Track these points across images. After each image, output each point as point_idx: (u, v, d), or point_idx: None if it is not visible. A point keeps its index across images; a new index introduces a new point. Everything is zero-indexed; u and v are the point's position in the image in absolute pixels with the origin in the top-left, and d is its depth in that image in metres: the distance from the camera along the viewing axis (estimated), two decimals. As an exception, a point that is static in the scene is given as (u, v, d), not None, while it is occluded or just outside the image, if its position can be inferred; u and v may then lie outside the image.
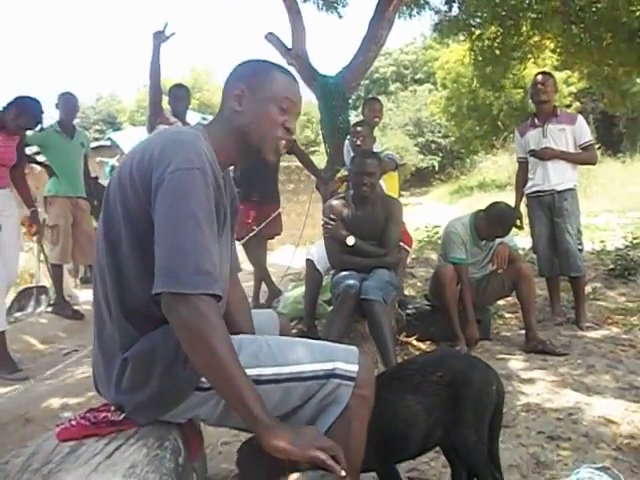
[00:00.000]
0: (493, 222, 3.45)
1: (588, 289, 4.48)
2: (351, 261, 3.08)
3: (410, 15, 6.70)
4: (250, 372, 1.19)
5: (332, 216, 3.13)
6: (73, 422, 1.22)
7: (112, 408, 1.24)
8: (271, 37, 5.67)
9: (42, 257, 4.99)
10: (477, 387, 1.56)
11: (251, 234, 4.24)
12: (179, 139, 1.22)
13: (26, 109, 3.66)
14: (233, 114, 1.32)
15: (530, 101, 4.20)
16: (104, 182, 6.69)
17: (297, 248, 6.23)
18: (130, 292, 1.22)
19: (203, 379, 1.20)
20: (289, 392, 1.24)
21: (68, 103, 4.57)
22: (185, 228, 1.10)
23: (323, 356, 1.26)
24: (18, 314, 4.68)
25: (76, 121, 4.90)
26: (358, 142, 3.83)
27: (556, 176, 3.81)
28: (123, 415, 1.21)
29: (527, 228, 4.12)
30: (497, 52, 6.59)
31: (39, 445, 1.16)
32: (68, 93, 4.59)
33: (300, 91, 1.40)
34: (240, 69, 1.37)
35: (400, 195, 5.43)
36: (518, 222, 4.13)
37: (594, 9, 5.63)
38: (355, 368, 1.24)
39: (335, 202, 3.24)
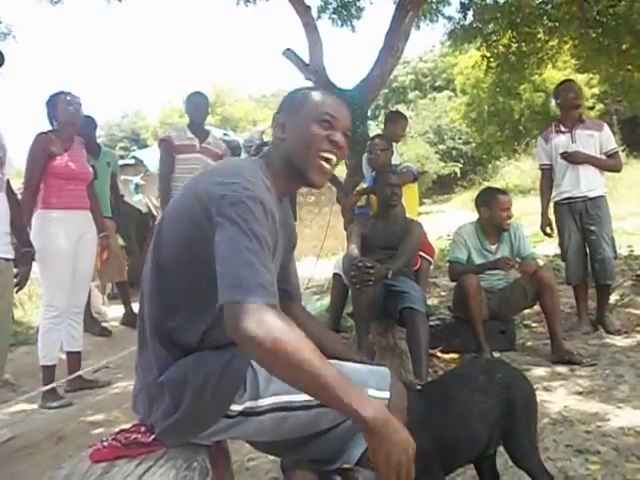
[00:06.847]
0: (481, 205, 3.57)
1: (616, 296, 4.42)
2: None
3: (427, 20, 6.77)
4: (281, 399, 1.22)
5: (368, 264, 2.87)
6: (105, 443, 1.26)
7: (142, 429, 1.27)
8: (289, 53, 5.75)
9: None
10: (527, 393, 1.61)
11: None
12: (239, 166, 1.24)
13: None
14: (280, 143, 1.34)
15: (553, 105, 4.23)
16: (129, 200, 6.83)
17: (319, 259, 6.27)
18: (168, 318, 1.24)
19: (232, 407, 1.22)
20: (320, 417, 1.25)
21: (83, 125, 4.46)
22: (251, 247, 1.07)
23: (354, 382, 1.16)
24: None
25: (102, 139, 4.95)
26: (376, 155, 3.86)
27: (586, 182, 3.78)
28: (152, 437, 1.25)
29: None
30: (512, 58, 6.56)
31: (73, 467, 1.20)
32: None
33: (344, 108, 1.35)
34: (282, 100, 1.40)
35: (422, 203, 5.42)
36: (548, 229, 4.10)
37: (611, 12, 5.56)
38: (386, 395, 1.25)
39: (355, 227, 3.37)
